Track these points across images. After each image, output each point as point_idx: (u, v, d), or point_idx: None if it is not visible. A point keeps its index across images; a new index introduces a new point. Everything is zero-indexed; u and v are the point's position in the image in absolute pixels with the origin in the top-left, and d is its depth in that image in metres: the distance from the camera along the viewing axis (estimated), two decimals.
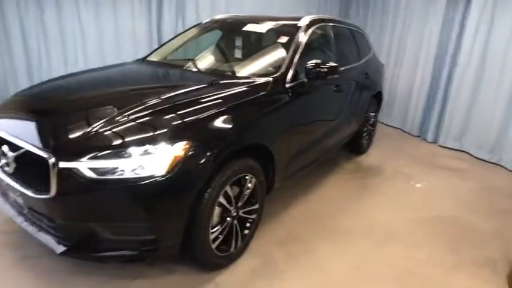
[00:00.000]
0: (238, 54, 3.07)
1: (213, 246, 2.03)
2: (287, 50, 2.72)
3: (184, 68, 2.83)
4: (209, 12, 5.49)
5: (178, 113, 1.89)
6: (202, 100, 2.04)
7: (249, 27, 3.06)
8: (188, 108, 1.94)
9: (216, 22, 3.38)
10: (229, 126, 1.99)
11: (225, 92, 2.18)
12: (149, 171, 1.65)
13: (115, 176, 1.62)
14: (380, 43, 5.88)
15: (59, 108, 2.03)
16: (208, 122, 1.91)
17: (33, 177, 1.71)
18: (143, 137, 1.72)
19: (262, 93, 2.32)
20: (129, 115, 1.83)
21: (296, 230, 2.70)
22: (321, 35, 3.23)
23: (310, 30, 2.97)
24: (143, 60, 3.13)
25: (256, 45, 3.09)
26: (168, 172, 1.67)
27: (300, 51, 2.73)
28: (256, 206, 2.36)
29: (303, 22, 3.00)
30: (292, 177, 2.85)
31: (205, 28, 3.36)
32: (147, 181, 1.64)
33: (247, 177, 2.18)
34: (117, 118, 1.80)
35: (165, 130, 1.76)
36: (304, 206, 3.06)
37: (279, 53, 2.76)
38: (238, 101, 2.15)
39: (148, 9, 5.15)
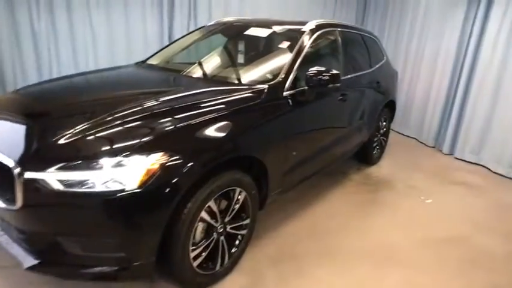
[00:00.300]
0: (236, 59, 2.94)
1: (195, 264, 1.89)
2: (288, 56, 2.57)
3: (177, 72, 2.72)
4: (222, 14, 5.42)
5: (158, 121, 1.78)
6: (187, 108, 1.92)
7: (251, 32, 2.93)
8: (169, 116, 1.82)
9: (220, 25, 3.26)
10: (214, 137, 1.86)
11: (214, 100, 2.05)
12: (120, 185, 1.53)
13: (84, 189, 1.51)
14: (397, 51, 5.65)
15: (32, 113, 1.96)
16: (190, 132, 1.79)
17: (4, 186, 1.63)
18: (117, 147, 1.61)
19: (255, 102, 2.18)
20: (105, 123, 1.73)
21: (292, 247, 2.53)
22: (327, 40, 3.07)
23: (314, 36, 2.81)
24: (142, 63, 3.05)
25: (257, 50, 2.96)
26: (139, 186, 1.55)
27: (301, 57, 2.57)
28: (247, 221, 2.22)
29: (308, 27, 2.84)
30: (291, 189, 2.69)
31: (209, 31, 3.25)
32: (117, 195, 1.53)
33: (235, 191, 2.04)
34: (92, 126, 1.70)
35: (140, 140, 1.64)
36: (305, 221, 2.88)
37: (279, 59, 2.62)
38: (227, 109, 2.01)
39: (160, 11, 5.10)
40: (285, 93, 2.37)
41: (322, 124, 2.85)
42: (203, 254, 1.94)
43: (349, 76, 3.18)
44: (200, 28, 3.40)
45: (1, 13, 4.07)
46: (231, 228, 2.11)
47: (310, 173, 2.85)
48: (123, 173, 1.54)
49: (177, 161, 1.64)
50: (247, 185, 2.10)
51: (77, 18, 4.52)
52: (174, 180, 1.63)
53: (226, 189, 1.95)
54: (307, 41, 2.70)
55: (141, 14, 4.91)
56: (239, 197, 2.08)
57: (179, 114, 1.84)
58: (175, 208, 1.70)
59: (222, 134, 1.88)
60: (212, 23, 3.41)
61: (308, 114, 2.63)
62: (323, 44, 3.03)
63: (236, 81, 2.50)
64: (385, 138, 4.36)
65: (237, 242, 2.20)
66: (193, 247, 1.86)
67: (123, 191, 1.53)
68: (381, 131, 4.20)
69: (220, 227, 2.03)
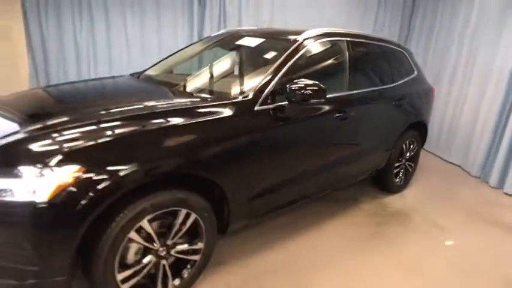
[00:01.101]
0: (220, 71, 2.77)
1: (124, 287, 1.75)
2: (269, 68, 2.34)
3: (158, 84, 2.62)
4: (252, 23, 5.37)
5: (95, 131, 1.68)
6: (131, 119, 1.80)
7: (243, 42, 2.76)
8: (109, 127, 1.70)
9: (222, 35, 3.14)
10: (146, 152, 1.69)
11: (164, 114, 1.90)
12: (33, 196, 1.46)
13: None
14: (443, 68, 5.02)
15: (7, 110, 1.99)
16: (122, 145, 1.66)
17: None
18: (40, 156, 1.54)
19: (213, 117, 1.99)
20: (42, 129, 1.68)
21: (260, 281, 2.26)
22: (328, 51, 2.77)
23: (308, 46, 2.55)
24: (138, 74, 2.98)
25: (243, 61, 2.76)
26: (49, 200, 1.46)
27: (285, 69, 2.33)
28: (199, 246, 2.02)
29: (304, 36, 2.59)
30: (265, 215, 2.43)
31: (211, 42, 3.14)
32: (29, 207, 1.45)
33: (180, 212, 1.86)
34: (32, 130, 1.67)
35: (63, 150, 1.55)
36: (285, 253, 2.56)
37: (260, 71, 2.39)
38: (172, 124, 1.84)
39: (191, 19, 5.26)
40: (257, 108, 2.15)
41: (309, 145, 2.53)
42: (136, 277, 1.79)
43: (355, 92, 2.84)
44: (204, 38, 3.32)
45: (50, 21, 4.62)
46: (176, 252, 1.94)
47: (293, 199, 2.56)
48: (34, 184, 1.47)
49: (96, 176, 1.53)
50: (196, 206, 1.91)
51: (113, 24, 4.88)
52: (93, 196, 1.51)
53: (165, 210, 1.79)
54: (297, 51, 2.45)
55: (172, 21, 5.11)
56: (187, 219, 1.90)
57: (120, 126, 1.72)
58: (96, 226, 1.58)
59: (156, 150, 1.72)
60: (217, 33, 3.32)
61: (290, 133, 2.36)
62: (321, 55, 2.74)
63: (208, 95, 2.33)
64: (412, 164, 3.83)
65: (188, 267, 2.02)
66: (121, 269, 1.72)
67: (34, 202, 1.46)
68: (406, 156, 3.69)
69: (162, 250, 1.87)
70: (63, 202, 1.47)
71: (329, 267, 2.45)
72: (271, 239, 2.71)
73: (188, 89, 2.43)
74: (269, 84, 2.24)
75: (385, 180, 3.59)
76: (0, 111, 1.98)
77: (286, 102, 2.22)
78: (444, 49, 5.04)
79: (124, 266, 1.75)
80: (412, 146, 3.72)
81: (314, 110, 2.46)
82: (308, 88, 2.16)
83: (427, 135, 3.92)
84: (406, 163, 3.74)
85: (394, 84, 3.30)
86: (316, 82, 2.21)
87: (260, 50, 2.65)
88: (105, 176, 1.54)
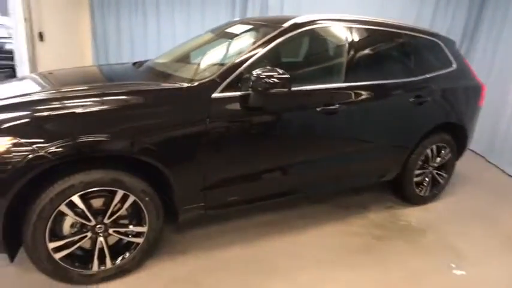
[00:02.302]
0: (197, 57, 2.69)
1: (56, 255, 1.84)
2: (240, 55, 2.22)
3: (145, 69, 2.66)
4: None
5: (44, 106, 1.78)
6: (84, 97, 1.88)
7: (232, 29, 2.67)
8: (58, 102, 1.81)
9: (226, 23, 3.09)
10: (82, 129, 1.75)
11: (117, 94, 1.94)
12: None
13: None
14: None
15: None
16: (60, 119, 1.74)
17: None
18: None
19: (161, 100, 1.97)
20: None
21: (206, 275, 2.17)
22: (318, 39, 2.52)
23: (293, 33, 2.35)
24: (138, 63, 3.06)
25: (221, 48, 2.65)
26: None
27: (256, 57, 2.19)
28: (141, 229, 2.04)
29: (291, 22, 2.39)
30: (225, 209, 2.33)
31: (215, 31, 3.11)
32: None
33: (116, 193, 1.90)
34: None
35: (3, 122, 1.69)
36: (253, 252, 2.41)
37: (231, 57, 2.28)
38: (117, 104, 1.87)
39: (233, 13, 5.41)
40: (214, 95, 2.07)
41: (279, 139, 2.33)
42: (70, 248, 1.88)
43: (351, 84, 2.53)
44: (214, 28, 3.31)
45: (112, 16, 5.47)
46: (115, 231, 1.98)
47: (258, 196, 2.40)
48: None
49: (24, 147, 1.63)
50: (135, 189, 1.92)
51: (163, 19, 5.45)
52: (14, 167, 1.63)
53: (99, 188, 1.84)
54: (275, 38, 2.28)
55: (215, 14, 5.40)
56: (125, 200, 1.93)
57: (70, 101, 1.82)
58: (28, 195, 1.71)
59: (88, 129, 1.76)
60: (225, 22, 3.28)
61: (254, 125, 2.21)
62: (311, 43, 2.50)
63: (172, 80, 2.28)
64: (443, 174, 3.27)
65: (130, 248, 2.05)
66: (54, 238, 1.83)
67: None
68: (433, 163, 3.17)
69: (99, 228, 1.93)
70: None
71: (287, 278, 2.21)
72: (246, 235, 2.59)
73: (160, 76, 2.44)
74: (234, 71, 2.13)
75: (403, 189, 3.15)
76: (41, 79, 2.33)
77: (251, 92, 2.09)
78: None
79: (59, 237, 1.86)
80: (443, 152, 3.18)
81: (287, 100, 2.26)
82: (270, 77, 2.00)
83: (467, 141, 3.30)
84: (434, 172, 3.21)
85: (413, 78, 2.84)
86: (280, 70, 2.03)
87: (243, 37, 2.54)
88: (30, 148, 1.64)
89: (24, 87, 2.23)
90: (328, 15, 2.57)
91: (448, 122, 3.07)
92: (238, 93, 2.12)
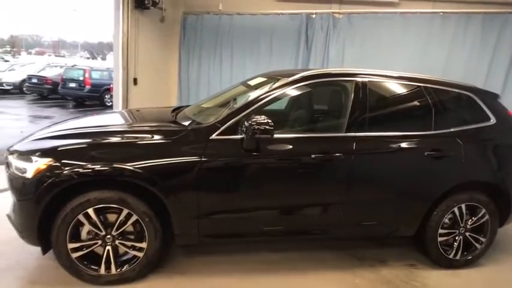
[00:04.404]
0: (218, 104, 3.06)
1: (74, 255, 2.32)
2: (244, 103, 2.55)
3: (178, 114, 3.09)
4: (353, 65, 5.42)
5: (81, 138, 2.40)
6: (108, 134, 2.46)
7: (252, 81, 3.03)
8: (88, 137, 2.41)
9: (257, 76, 3.47)
10: (98, 157, 2.26)
11: (135, 132, 2.47)
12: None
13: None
14: None
15: None
16: (83, 150, 2.31)
17: None
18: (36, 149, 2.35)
19: (166, 138, 2.41)
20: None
21: None
22: (320, 92, 2.70)
23: (295, 86, 2.61)
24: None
25: (237, 97, 2.97)
26: (32, 177, 2.22)
27: (258, 104, 2.50)
28: (141, 245, 2.41)
29: (297, 76, 2.66)
30: (218, 239, 2.57)
31: (244, 82, 3.49)
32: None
33: (123, 211, 2.33)
34: None
35: (41, 148, 2.32)
36: (244, 285, 2.56)
37: (237, 106, 2.61)
38: (132, 140, 2.38)
39: (297, 62, 5.83)
40: (213, 137, 2.42)
41: (270, 181, 2.52)
42: (84, 250, 2.35)
43: (350, 134, 2.60)
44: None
45: (194, 64, 6.54)
46: (120, 243, 2.40)
47: (249, 232, 2.60)
48: (26, 166, 2.27)
49: (58, 168, 2.21)
50: (137, 209, 2.33)
51: (236, 66, 6.25)
52: (51, 181, 2.20)
53: (108, 205, 2.30)
54: (276, 89, 2.57)
55: (281, 63, 5.92)
56: (129, 218, 2.35)
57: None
58: (58, 207, 2.27)
59: (103, 156, 2.27)
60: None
61: (250, 165, 2.47)
62: (312, 95, 2.69)
63: (189, 121, 2.70)
64: (480, 237, 2.92)
65: (132, 260, 2.43)
66: (73, 240, 2.32)
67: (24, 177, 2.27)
68: (466, 224, 2.88)
69: (108, 238, 2.37)
70: (36, 181, 2.21)
71: None
72: (246, 270, 2.74)
73: (178, 118, 2.91)
74: (234, 117, 2.47)
75: (425, 248, 2.92)
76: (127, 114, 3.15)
77: (244, 137, 2.39)
78: None
79: (77, 240, 2.35)
80: (478, 213, 2.87)
81: (280, 146, 2.48)
82: (256, 124, 2.28)
83: (510, 204, 2.91)
84: (467, 234, 2.90)
85: (430, 132, 2.74)
86: (266, 120, 2.29)
87: (256, 88, 2.86)
88: (61, 168, 2.20)
89: (110, 119, 2.98)
90: (337, 69, 2.74)
91: (480, 181, 2.80)
92: (235, 137, 2.43)
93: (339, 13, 5.75)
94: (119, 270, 2.42)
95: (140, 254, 2.43)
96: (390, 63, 5.23)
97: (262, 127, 2.27)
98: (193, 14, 6.32)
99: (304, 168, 2.55)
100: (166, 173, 2.34)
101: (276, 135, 2.39)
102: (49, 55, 38.78)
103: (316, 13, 5.78)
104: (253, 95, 2.66)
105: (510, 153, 2.92)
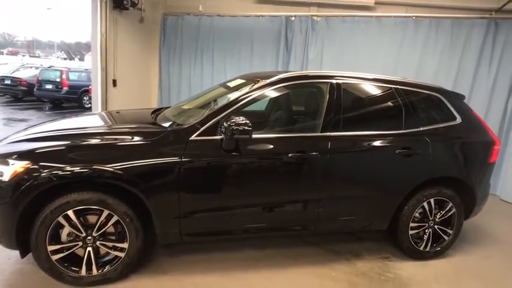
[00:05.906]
0: (198, 106, 3.12)
1: (54, 257, 2.32)
2: (224, 105, 2.62)
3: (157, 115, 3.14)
4: (332, 67, 5.55)
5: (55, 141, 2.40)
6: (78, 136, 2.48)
7: (231, 83, 3.10)
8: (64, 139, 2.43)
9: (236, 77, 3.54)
10: (74, 158, 2.28)
11: (116, 133, 2.50)
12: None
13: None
14: None
15: None
16: (59, 152, 2.31)
17: None
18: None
19: (144, 139, 2.45)
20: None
21: None
22: (296, 93, 2.80)
23: (271, 87, 2.70)
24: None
25: (216, 99, 3.05)
26: (8, 180, 2.21)
27: (237, 106, 2.58)
28: (123, 245, 2.44)
29: (275, 78, 2.75)
30: (199, 238, 2.63)
31: (223, 83, 3.54)
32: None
33: (103, 212, 2.35)
34: None
35: (18, 150, 2.31)
36: (225, 282, 2.63)
37: (216, 107, 2.68)
38: (99, 141, 2.42)
39: (277, 64, 5.91)
40: (192, 138, 2.47)
41: (248, 180, 2.60)
42: (64, 252, 2.35)
43: (325, 134, 2.71)
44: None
45: (175, 66, 6.49)
46: (101, 244, 2.42)
47: (229, 230, 2.67)
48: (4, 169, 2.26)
49: (35, 170, 2.21)
50: (118, 210, 2.36)
51: (216, 68, 6.27)
52: (27, 184, 2.19)
53: (88, 207, 2.31)
54: (252, 91, 2.65)
55: (262, 66, 5.95)
56: (109, 219, 2.37)
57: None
58: (37, 209, 2.26)
59: (82, 158, 2.29)
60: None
61: (229, 165, 2.53)
62: (289, 96, 2.79)
63: (169, 122, 2.74)
64: (447, 230, 3.09)
65: (114, 261, 2.45)
66: (53, 242, 2.32)
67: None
68: (435, 218, 3.05)
69: (89, 239, 2.39)
70: (14, 183, 2.20)
71: None
72: (228, 267, 2.81)
73: (158, 120, 2.95)
74: (213, 118, 2.53)
75: (398, 241, 3.08)
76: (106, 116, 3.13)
77: (224, 137, 2.45)
78: None
79: (57, 242, 2.36)
80: (445, 207, 3.04)
81: (259, 146, 2.56)
82: (235, 125, 2.35)
83: (475, 198, 3.10)
84: (436, 227, 3.07)
85: (401, 131, 2.89)
86: (245, 120, 2.36)
87: (235, 89, 2.93)
88: (41, 171, 2.21)
89: (89, 121, 3.00)
90: (310, 72, 2.85)
91: (448, 176, 2.98)
92: (215, 137, 2.49)
93: (317, 16, 5.89)
94: (100, 271, 2.44)
95: (122, 254, 2.46)
96: (367, 65, 5.41)
97: (240, 128, 2.35)
98: (173, 15, 6.32)
99: (282, 167, 2.65)
100: (147, 174, 2.37)
101: (254, 136, 2.47)
102: (23, 55, 37.45)
103: (295, 16, 5.89)
104: (232, 96, 2.73)
105: (474, 151, 3.11)
